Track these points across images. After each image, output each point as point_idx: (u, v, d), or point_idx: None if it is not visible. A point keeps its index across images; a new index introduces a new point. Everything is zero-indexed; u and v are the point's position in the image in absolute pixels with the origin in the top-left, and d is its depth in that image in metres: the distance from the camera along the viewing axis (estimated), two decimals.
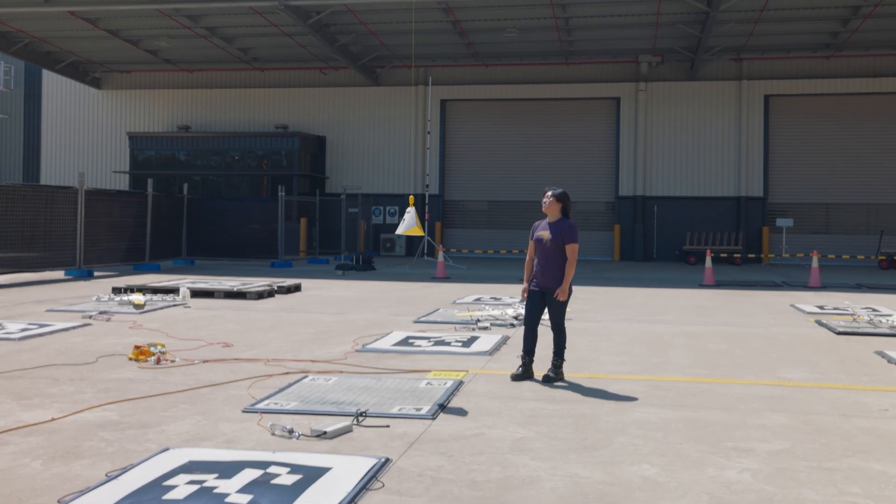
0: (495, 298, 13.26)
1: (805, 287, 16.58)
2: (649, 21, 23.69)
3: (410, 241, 28.27)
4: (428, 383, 6.40)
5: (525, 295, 6.87)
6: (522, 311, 9.25)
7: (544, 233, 6.76)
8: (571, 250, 6.67)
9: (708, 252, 18.12)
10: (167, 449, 4.50)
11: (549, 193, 6.82)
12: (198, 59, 29.18)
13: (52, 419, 5.18)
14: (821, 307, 12.49)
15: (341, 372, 6.89)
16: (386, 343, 8.46)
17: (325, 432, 4.79)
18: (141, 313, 10.57)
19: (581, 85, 28.23)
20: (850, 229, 27.01)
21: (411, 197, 8.40)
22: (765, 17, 23.14)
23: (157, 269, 18.96)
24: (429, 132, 26.33)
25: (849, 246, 26.53)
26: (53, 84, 31.41)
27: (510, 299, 12.94)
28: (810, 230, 27.15)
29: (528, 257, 6.95)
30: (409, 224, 7.73)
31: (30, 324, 9.36)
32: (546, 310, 6.79)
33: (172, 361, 7.20)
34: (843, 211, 27.21)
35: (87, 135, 31.28)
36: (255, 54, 28.50)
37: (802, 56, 26.84)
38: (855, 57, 26.60)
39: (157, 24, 24.69)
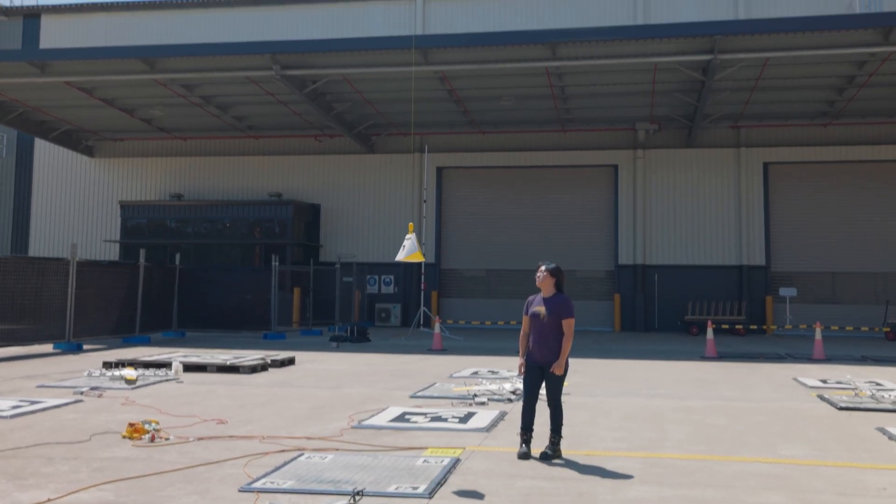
0: (493, 372, 13.44)
1: (809, 359, 16.76)
2: (645, 89, 24.43)
3: (406, 310, 28.46)
4: (425, 461, 6.57)
5: (522, 370, 7.09)
6: (520, 386, 9.44)
7: (540, 308, 7.03)
8: (568, 325, 6.95)
9: (709, 323, 18.34)
10: None
11: (543, 268, 7.12)
12: (192, 127, 29.86)
13: (49, 500, 5.34)
14: (823, 381, 12.68)
15: (337, 449, 7.05)
16: (382, 419, 8.63)
17: None
18: (133, 389, 10.73)
19: (579, 152, 28.87)
20: (857, 299, 27.22)
21: (411, 224, 8.61)
22: (760, 86, 23.89)
23: (147, 342, 19.11)
24: (425, 200, 26.81)
25: (856, 316, 26.70)
26: (45, 152, 32.07)
27: (508, 373, 13.12)
28: (815, 300, 27.36)
29: (522, 332, 7.20)
30: (409, 250, 7.90)
31: (21, 400, 9.52)
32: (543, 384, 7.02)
33: (167, 439, 7.37)
34: (848, 280, 27.46)
35: (77, 203, 31.77)
36: (249, 122, 29.20)
37: (800, 124, 27.53)
38: (853, 125, 27.29)
39: (153, 93, 25.39)
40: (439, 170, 29.53)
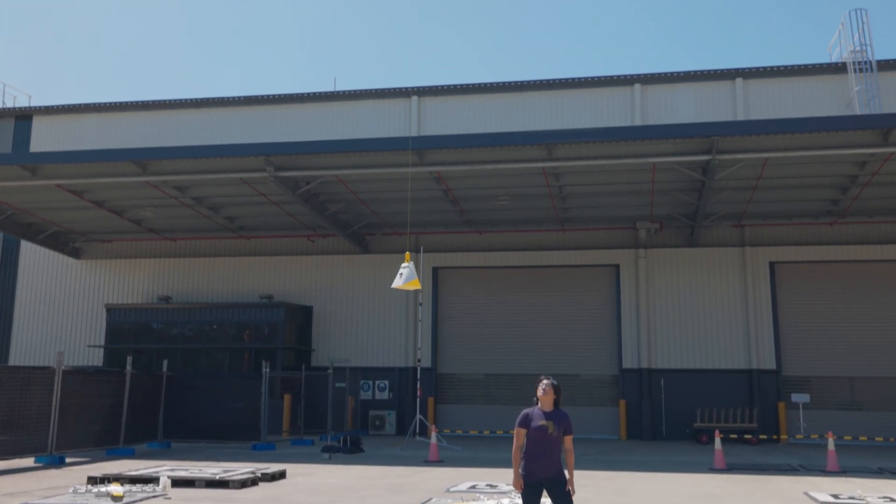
0: (491, 486, 13.57)
1: (822, 471, 16.85)
2: (645, 189, 25.16)
3: (402, 417, 28.43)
4: None
5: (521, 489, 7.37)
6: (519, 502, 9.61)
7: (547, 422, 7.40)
8: (570, 440, 7.40)
9: (717, 433, 18.48)
10: None
11: (547, 382, 7.52)
12: (182, 228, 30.52)
13: None
14: (835, 496, 12.83)
15: None
16: None
17: None
18: None
19: (578, 252, 29.41)
20: (876, 405, 27.02)
21: (407, 253, 9.00)
22: (762, 185, 24.58)
23: (131, 454, 19.16)
24: (420, 303, 27.20)
25: (876, 422, 26.45)
26: (31, 254, 32.65)
27: (506, 486, 13.26)
28: (833, 406, 27.18)
29: (516, 446, 7.50)
30: (407, 278, 8.23)
31: None
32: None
33: None
34: (867, 385, 27.31)
35: (62, 307, 32.14)
36: (241, 223, 29.89)
37: (805, 223, 28.10)
38: (859, 224, 27.85)
39: (144, 194, 26.13)
40: (435, 270, 30.04)
